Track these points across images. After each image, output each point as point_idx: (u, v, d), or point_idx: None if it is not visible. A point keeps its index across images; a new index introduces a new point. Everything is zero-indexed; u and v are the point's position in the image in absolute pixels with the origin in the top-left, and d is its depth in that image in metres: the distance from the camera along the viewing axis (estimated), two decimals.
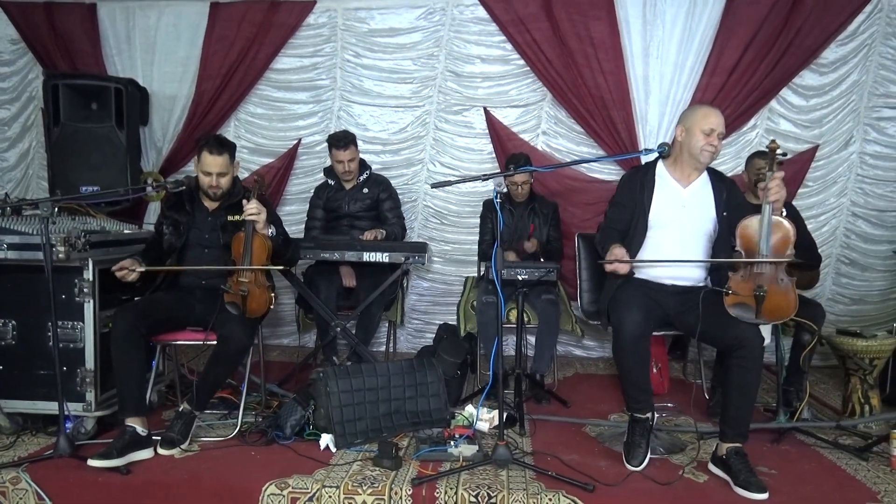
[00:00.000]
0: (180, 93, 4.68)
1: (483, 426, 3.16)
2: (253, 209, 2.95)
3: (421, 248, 3.60)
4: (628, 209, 2.87)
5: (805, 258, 3.61)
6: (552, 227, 4.05)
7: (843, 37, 4.25)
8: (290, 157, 4.69)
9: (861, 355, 3.19)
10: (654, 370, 3.84)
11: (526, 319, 3.84)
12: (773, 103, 4.33)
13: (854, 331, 3.30)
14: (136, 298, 3.18)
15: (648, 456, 2.72)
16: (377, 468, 2.64)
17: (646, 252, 2.83)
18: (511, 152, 4.14)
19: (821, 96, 4.30)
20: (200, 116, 4.65)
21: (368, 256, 3.60)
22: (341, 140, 3.94)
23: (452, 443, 2.84)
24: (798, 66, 4.26)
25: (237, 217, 3.04)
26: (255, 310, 2.98)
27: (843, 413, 3.33)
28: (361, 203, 4.11)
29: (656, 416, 3.12)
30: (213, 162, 3.05)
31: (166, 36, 4.67)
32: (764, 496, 2.43)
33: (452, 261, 4.69)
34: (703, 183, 2.87)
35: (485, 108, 4.51)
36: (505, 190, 2.64)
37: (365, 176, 4.15)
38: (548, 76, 4.35)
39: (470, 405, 3.28)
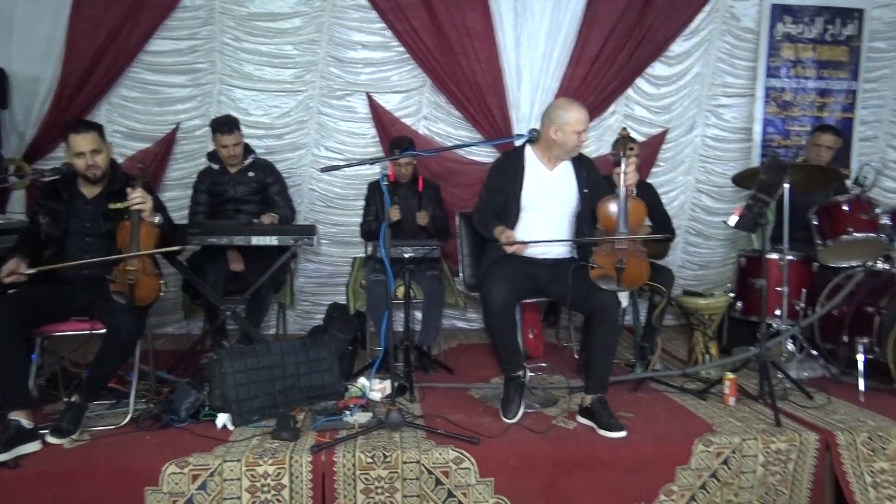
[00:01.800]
0: (44, 74, 4.44)
1: (376, 396, 3.35)
2: (138, 197, 2.94)
3: (310, 230, 3.71)
4: (502, 192, 3.14)
5: (662, 232, 4.09)
6: (436, 207, 4.28)
7: (687, 32, 4.77)
8: (168, 141, 4.60)
9: (702, 312, 3.69)
10: (531, 336, 4.20)
11: (413, 295, 4.06)
12: (630, 91, 4.79)
13: (697, 292, 3.80)
14: (10, 291, 3.07)
15: (523, 409, 3.04)
16: (276, 441, 2.77)
17: (519, 230, 3.11)
18: (394, 136, 4.32)
19: (669, 85, 4.81)
20: (68, 99, 4.45)
21: (257, 240, 3.65)
22: (225, 124, 3.95)
23: (347, 412, 3.01)
24: (650, 58, 4.73)
25: (120, 205, 3.01)
26: (143, 298, 2.98)
27: (688, 362, 3.83)
28: (247, 187, 4.14)
29: (531, 375, 3.46)
30: (82, 141, 2.99)
31: (25, 13, 4.40)
32: (623, 434, 2.81)
33: (339, 242, 4.82)
34: (567, 165, 3.19)
35: (367, 94, 4.65)
36: (389, 172, 2.82)
37: (250, 160, 4.17)
38: (427, 63, 4.55)
39: (362, 377, 3.46)
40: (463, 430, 2.83)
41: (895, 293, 3.23)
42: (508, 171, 3.15)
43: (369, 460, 2.61)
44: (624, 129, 3.07)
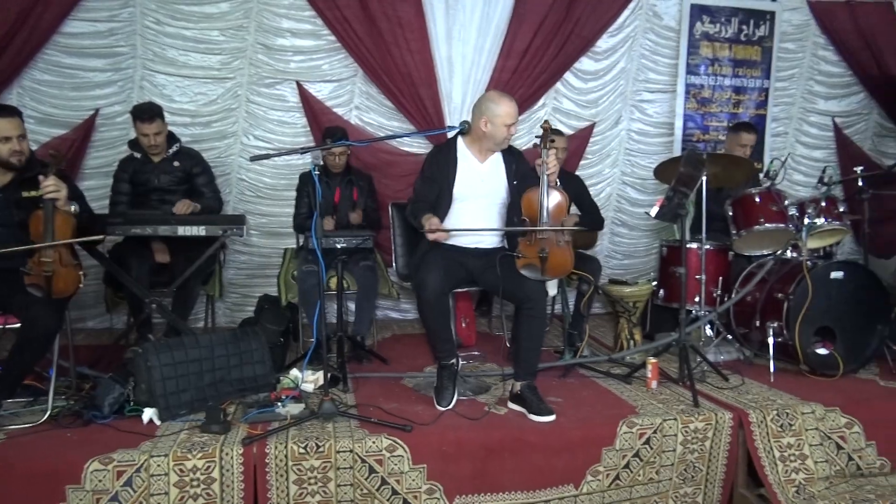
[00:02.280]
0: None
1: (308, 387, 3.32)
2: (51, 185, 2.82)
3: (239, 220, 3.63)
4: (435, 183, 3.17)
5: (589, 221, 4.22)
6: (369, 198, 4.27)
7: (612, 29, 4.91)
8: (86, 128, 4.40)
9: (626, 300, 3.83)
10: (463, 325, 4.26)
11: (346, 286, 4.05)
12: (559, 85, 4.90)
13: (622, 280, 3.95)
14: None
15: (456, 397, 3.09)
16: (206, 434, 2.71)
17: (450, 221, 3.15)
18: (325, 126, 4.28)
19: (596, 80, 4.95)
20: None
21: (184, 230, 3.54)
22: (146, 112, 3.80)
23: (280, 404, 2.98)
24: (578, 53, 4.85)
25: (33, 193, 2.88)
26: (62, 290, 2.86)
27: (614, 348, 3.98)
28: (172, 177, 4.01)
29: (464, 363, 3.52)
30: (8, 125, 2.85)
31: None
32: (552, 418, 2.90)
33: (269, 233, 4.74)
34: (497, 157, 3.25)
35: (298, 82, 4.57)
36: (322, 162, 2.80)
37: (175, 149, 4.04)
38: (359, 53, 4.52)
39: (295, 369, 3.43)
40: (396, 419, 2.85)
41: (801, 280, 3.45)
42: (441, 162, 3.19)
43: (302, 451, 2.60)
44: (546, 121, 3.15)
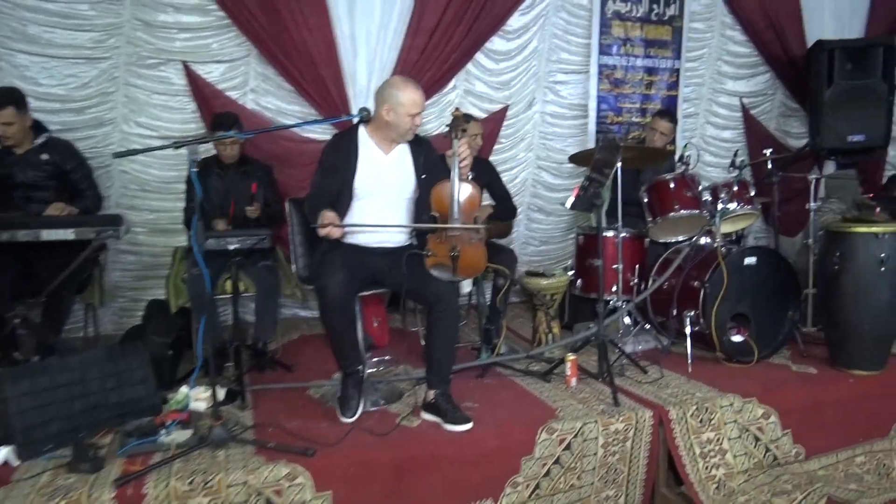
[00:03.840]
0: None
1: (200, 406, 2.99)
2: None
3: (114, 220, 3.21)
4: (335, 176, 2.88)
5: (502, 209, 4.03)
6: (269, 191, 3.92)
7: (523, 7, 4.71)
8: None
9: (544, 292, 3.68)
10: (375, 324, 4.01)
11: (243, 288, 3.71)
12: (470, 66, 4.67)
13: (538, 272, 3.79)
14: None
15: (362, 407, 2.85)
16: (73, 475, 2.36)
17: (351, 217, 2.88)
18: (215, 112, 3.88)
19: (508, 60, 4.75)
20: None
21: (49, 234, 3.09)
22: None
23: (164, 431, 2.65)
24: (489, 32, 4.62)
25: None
26: None
27: (533, 342, 3.83)
28: (39, 171, 3.53)
29: (374, 370, 3.28)
30: None
31: None
32: (468, 426, 2.71)
33: (159, 231, 4.31)
34: (403, 148, 2.98)
35: (184, 63, 4.13)
36: (199, 157, 2.42)
37: (42, 140, 3.56)
38: (252, 30, 4.12)
39: (185, 386, 3.08)
40: (298, 440, 2.59)
41: (716, 268, 3.39)
42: (341, 153, 2.90)
43: (187, 488, 2.29)
44: (456, 108, 2.90)
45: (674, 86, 5.11)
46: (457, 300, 2.81)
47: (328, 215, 2.69)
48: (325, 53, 4.24)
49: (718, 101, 5.39)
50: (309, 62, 4.23)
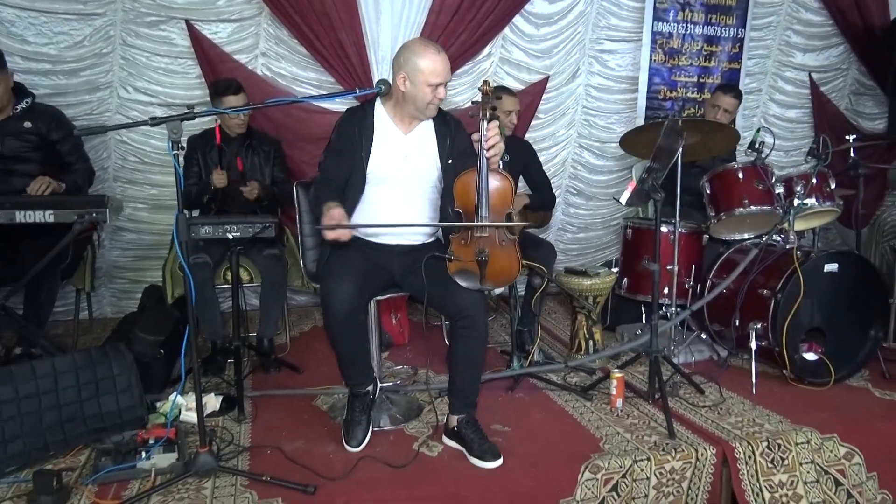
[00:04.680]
0: None
1: (191, 417, 2.62)
2: None
3: (98, 201, 2.82)
4: (347, 158, 2.44)
5: (539, 199, 3.56)
6: (277, 168, 3.50)
7: None
8: None
9: (586, 294, 3.23)
10: (393, 321, 3.61)
11: (247, 279, 3.32)
12: (507, 31, 4.15)
13: (580, 269, 3.33)
14: None
15: (370, 435, 2.46)
16: None
17: (364, 208, 2.45)
18: (215, 80, 3.45)
19: (550, 25, 4.21)
20: None
21: (24, 217, 2.73)
22: None
23: (144, 453, 2.28)
24: None
25: None
26: None
27: (571, 348, 3.39)
28: (21, 141, 3.15)
29: (389, 384, 2.89)
30: None
31: None
32: (498, 463, 2.30)
33: (160, 207, 3.92)
34: (426, 128, 2.52)
35: (187, 22, 3.68)
36: (179, 136, 1.95)
37: (24, 105, 3.17)
38: None
39: (176, 393, 2.71)
40: (298, 470, 2.23)
41: (792, 275, 2.90)
42: (353, 132, 2.44)
43: None
44: (485, 82, 2.40)
45: (736, 57, 4.54)
46: (485, 314, 2.36)
47: (334, 214, 2.23)
48: (345, 13, 3.76)
49: (784, 75, 4.79)
50: (326, 23, 3.75)
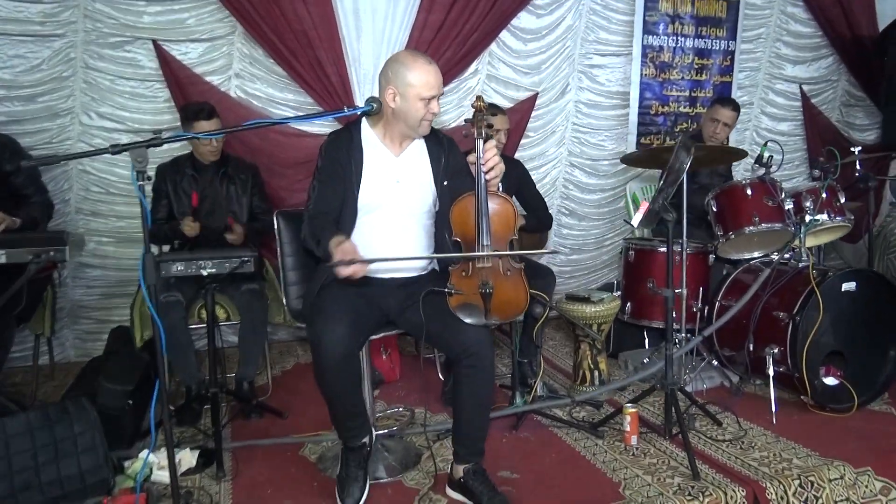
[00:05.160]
0: None
1: (163, 476, 2.35)
2: None
3: (57, 238, 2.56)
4: (339, 185, 2.21)
5: (535, 221, 3.37)
6: (256, 197, 3.26)
7: None
8: None
9: (589, 322, 3.02)
10: (384, 356, 3.36)
11: (225, 316, 3.07)
12: (494, 47, 3.98)
13: (581, 295, 3.12)
14: None
15: (367, 490, 2.20)
16: None
17: (356, 239, 2.21)
18: (185, 104, 3.21)
19: (538, 40, 4.06)
20: None
21: None
22: None
23: None
24: (516, 6, 3.93)
25: None
26: None
27: (575, 381, 3.17)
28: None
29: (383, 432, 2.64)
30: None
31: None
32: None
33: (127, 240, 3.64)
34: (418, 148, 2.31)
35: (154, 42, 3.45)
36: (145, 167, 1.69)
37: None
38: (235, 2, 3.43)
39: (148, 451, 2.44)
40: None
41: (810, 296, 2.73)
42: (342, 157, 2.22)
43: None
44: (478, 98, 2.21)
45: (728, 70, 4.43)
46: (492, 351, 2.14)
47: (347, 248, 1.97)
48: (324, 31, 3.56)
49: (775, 88, 4.70)
50: (304, 41, 3.55)
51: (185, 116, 3.00)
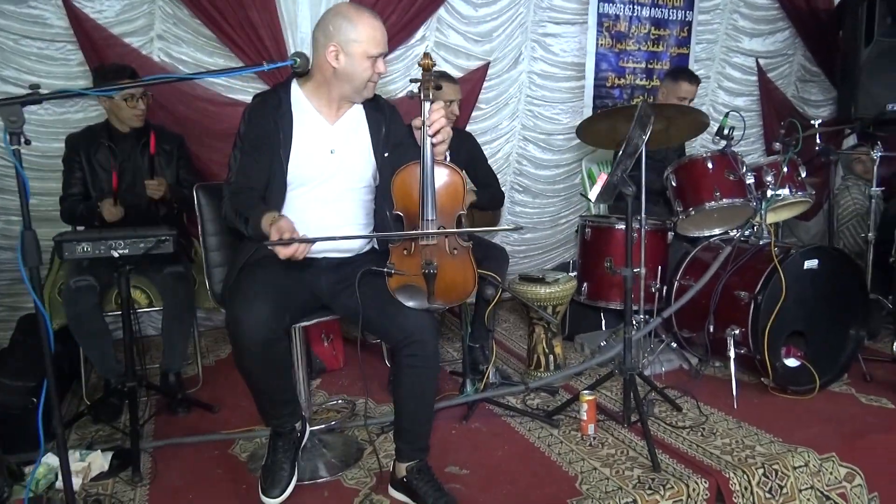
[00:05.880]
0: None
1: (75, 483, 2.08)
2: None
3: None
4: (265, 156, 1.96)
5: (487, 197, 3.17)
6: (183, 169, 2.96)
7: None
8: None
9: (544, 303, 2.84)
10: (325, 343, 3.13)
11: (147, 301, 2.79)
12: (442, 11, 3.72)
13: (536, 276, 2.94)
14: None
15: (294, 481, 2.00)
16: None
17: (286, 214, 1.97)
18: (100, 64, 2.89)
19: (489, 6, 3.81)
20: None
21: None
22: None
23: None
24: None
25: None
26: None
27: (529, 365, 3.00)
28: None
29: (320, 427, 2.42)
30: None
31: None
32: None
33: (43, 220, 3.23)
34: (356, 115, 2.07)
35: None
36: (20, 129, 1.41)
37: None
38: None
39: (51, 454, 2.16)
40: None
41: (772, 275, 2.60)
42: (268, 123, 1.96)
43: None
44: (426, 54, 1.97)
45: (685, 42, 4.28)
46: (436, 339, 1.93)
47: (283, 225, 1.73)
48: None
49: (732, 61, 4.57)
50: (234, 1, 3.23)
51: (103, 78, 2.68)
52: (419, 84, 1.93)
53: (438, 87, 1.95)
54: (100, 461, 2.22)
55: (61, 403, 2.78)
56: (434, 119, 1.87)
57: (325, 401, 2.82)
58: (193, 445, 2.42)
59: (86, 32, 3.13)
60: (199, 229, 2.29)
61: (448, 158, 2.01)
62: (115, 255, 2.25)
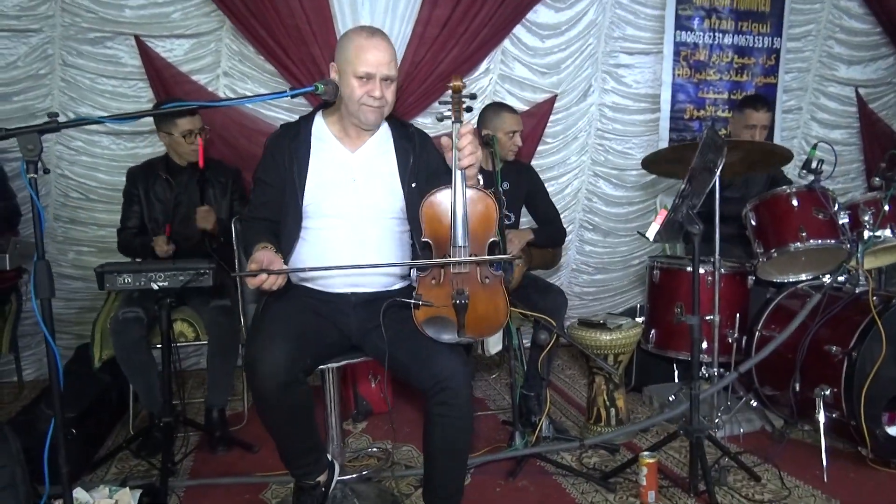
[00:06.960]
0: None
1: None
2: None
3: None
4: (275, 189, 1.90)
5: (546, 235, 2.98)
6: (237, 201, 2.96)
7: None
8: None
9: (605, 352, 2.60)
10: (373, 384, 3.00)
11: (194, 335, 2.76)
12: (507, 44, 3.62)
13: (596, 321, 2.71)
14: None
15: None
16: None
17: (306, 250, 1.89)
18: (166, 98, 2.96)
19: (557, 37, 3.68)
20: None
21: None
22: None
23: None
24: None
25: None
26: None
27: (588, 419, 2.75)
28: None
29: (353, 477, 2.27)
30: None
31: None
32: None
33: (107, 250, 3.36)
34: (382, 142, 1.97)
35: (137, 38, 3.21)
36: (37, 158, 1.40)
37: None
38: None
39: (80, 488, 2.13)
40: None
41: (870, 328, 2.27)
42: (281, 155, 1.90)
43: None
44: (455, 76, 1.84)
45: (772, 71, 3.96)
46: (468, 385, 1.76)
47: (258, 256, 1.69)
48: (318, 26, 3.25)
49: (827, 91, 4.20)
50: (297, 37, 3.25)
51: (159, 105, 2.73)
52: (449, 106, 1.81)
53: (469, 109, 1.82)
54: (127, 498, 2.15)
55: (108, 435, 2.80)
56: (462, 145, 1.73)
57: (366, 446, 2.68)
58: (225, 486, 2.34)
59: (156, 70, 3.23)
60: (237, 262, 2.23)
61: (481, 182, 1.87)
62: (155, 287, 2.23)
